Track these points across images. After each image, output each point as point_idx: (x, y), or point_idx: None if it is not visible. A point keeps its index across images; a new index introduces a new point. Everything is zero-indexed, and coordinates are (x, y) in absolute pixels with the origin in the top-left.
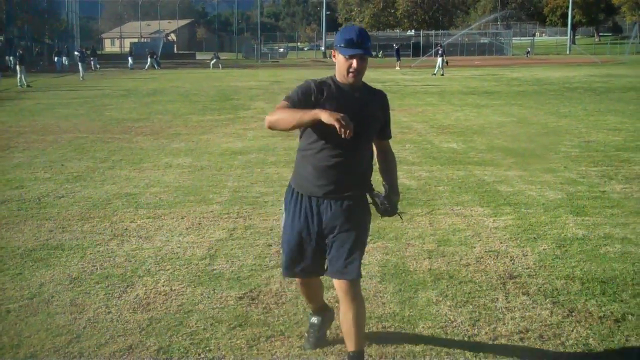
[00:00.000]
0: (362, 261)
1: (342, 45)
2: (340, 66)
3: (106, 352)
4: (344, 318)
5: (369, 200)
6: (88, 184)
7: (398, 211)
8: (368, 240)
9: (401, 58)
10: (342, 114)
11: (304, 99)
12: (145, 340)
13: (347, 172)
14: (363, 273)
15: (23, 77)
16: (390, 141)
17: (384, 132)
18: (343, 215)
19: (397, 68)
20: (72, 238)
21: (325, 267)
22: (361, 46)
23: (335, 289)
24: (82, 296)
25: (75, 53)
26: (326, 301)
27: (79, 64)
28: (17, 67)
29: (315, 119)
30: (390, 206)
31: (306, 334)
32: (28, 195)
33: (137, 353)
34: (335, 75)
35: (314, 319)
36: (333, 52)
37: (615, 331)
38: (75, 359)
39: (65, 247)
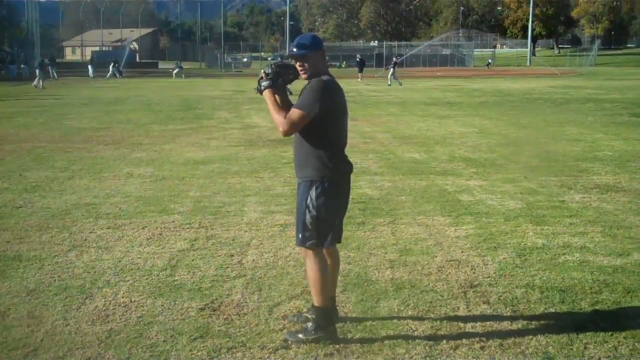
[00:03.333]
0: (302, 232)
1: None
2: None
3: None
4: None
5: None
6: (47, 193)
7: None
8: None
9: (364, 69)
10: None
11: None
12: (104, 352)
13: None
14: None
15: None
16: (353, 152)
17: None
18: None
19: (359, 80)
20: (30, 249)
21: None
22: (297, 49)
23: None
24: (40, 308)
25: (45, 61)
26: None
27: (37, 71)
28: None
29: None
30: None
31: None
32: None
33: None
34: None
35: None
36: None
37: (574, 339)
38: None
39: (22, 258)
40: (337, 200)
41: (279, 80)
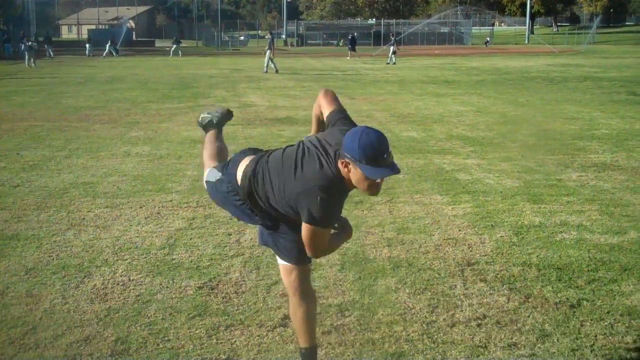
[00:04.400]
0: None
1: (365, 161)
2: (359, 183)
3: (63, 344)
4: None
5: None
6: (44, 172)
7: None
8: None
9: (357, 47)
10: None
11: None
12: (103, 331)
13: None
14: (322, 261)
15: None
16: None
17: None
18: None
19: (348, 57)
20: (28, 228)
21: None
22: (387, 162)
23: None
24: (38, 287)
25: (29, 43)
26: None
27: (26, 52)
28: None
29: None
30: None
31: None
32: None
33: (95, 344)
34: (342, 178)
35: None
36: (344, 162)
37: (570, 317)
38: (31, 350)
39: (20, 237)
40: None
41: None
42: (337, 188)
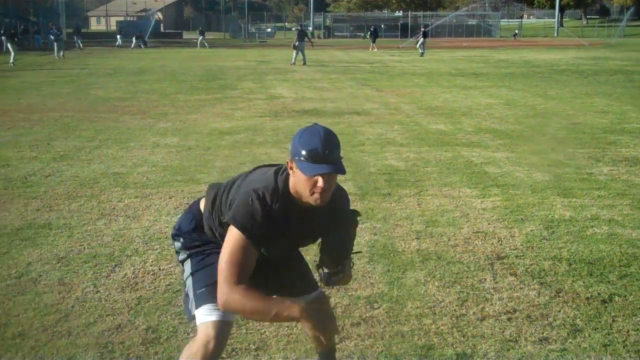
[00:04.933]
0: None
1: (304, 157)
2: (300, 186)
3: (95, 331)
4: None
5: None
6: (75, 163)
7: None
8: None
9: (383, 40)
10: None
11: (262, 236)
12: (134, 319)
13: None
14: None
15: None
16: (378, 123)
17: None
18: None
19: (371, 50)
20: (59, 217)
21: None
22: (330, 158)
23: None
24: (70, 275)
25: (51, 35)
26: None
27: (55, 43)
28: (9, 45)
29: (294, 318)
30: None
31: None
32: (14, 174)
33: (126, 332)
34: (289, 188)
35: None
36: (289, 163)
37: (602, 312)
38: (63, 337)
39: (52, 226)
40: None
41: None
42: (278, 202)
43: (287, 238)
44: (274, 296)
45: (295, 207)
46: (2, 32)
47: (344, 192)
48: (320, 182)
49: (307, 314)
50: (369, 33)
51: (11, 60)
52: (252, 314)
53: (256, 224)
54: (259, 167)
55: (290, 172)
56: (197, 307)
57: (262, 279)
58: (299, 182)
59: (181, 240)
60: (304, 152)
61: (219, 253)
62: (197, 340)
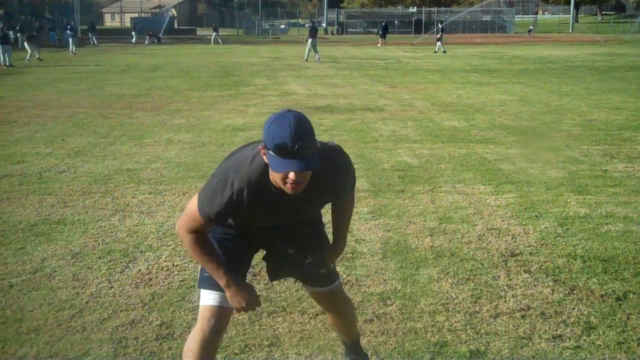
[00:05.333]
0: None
1: (272, 151)
2: (274, 175)
3: (109, 327)
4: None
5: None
6: (89, 159)
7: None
8: None
9: (397, 36)
10: (245, 301)
11: (219, 218)
12: (148, 315)
13: None
14: (364, 250)
15: (36, 53)
16: (392, 120)
17: (337, 198)
18: None
19: (379, 45)
20: (74, 213)
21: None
22: (299, 154)
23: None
24: (85, 271)
25: (68, 31)
26: None
27: (70, 39)
28: (26, 44)
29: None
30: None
31: None
32: (29, 170)
33: (140, 328)
34: (265, 170)
35: None
36: (262, 149)
37: (616, 309)
38: (78, 333)
39: (67, 222)
40: None
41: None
42: (253, 180)
43: (262, 215)
44: (216, 261)
45: (270, 187)
46: (17, 29)
47: (336, 160)
48: (291, 175)
49: (229, 295)
50: (381, 28)
51: (27, 58)
52: (195, 258)
53: (212, 208)
54: (245, 145)
55: (264, 157)
56: (200, 288)
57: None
58: (272, 172)
59: None
60: (272, 146)
61: (230, 239)
62: (196, 324)
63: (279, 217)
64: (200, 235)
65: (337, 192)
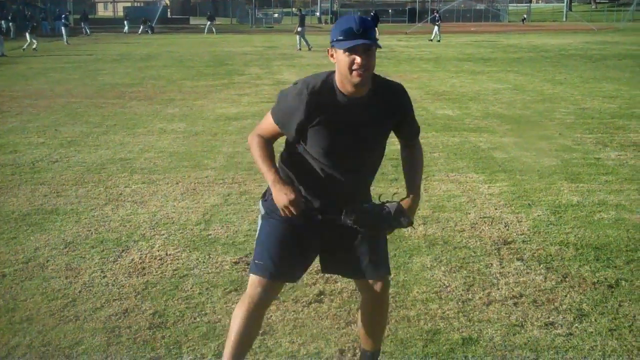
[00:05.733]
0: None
1: (340, 37)
2: (340, 67)
3: (102, 316)
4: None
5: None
6: (82, 148)
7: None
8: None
9: (391, 25)
10: (291, 200)
11: (287, 121)
12: (141, 304)
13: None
14: None
15: (34, 43)
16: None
17: (407, 133)
18: None
19: None
20: (67, 202)
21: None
22: (365, 35)
23: None
24: (78, 260)
25: (63, 20)
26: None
27: (63, 29)
28: (28, 34)
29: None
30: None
31: None
32: (22, 159)
33: (133, 317)
34: (335, 79)
35: None
36: (329, 51)
37: (608, 297)
38: (70, 322)
39: (59, 212)
40: None
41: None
42: (320, 87)
43: (330, 128)
44: (270, 161)
45: (340, 97)
46: (9, 18)
47: (399, 86)
48: (357, 59)
49: (275, 192)
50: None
51: (24, 47)
52: (254, 158)
53: (285, 104)
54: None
55: (332, 59)
56: (253, 258)
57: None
58: (339, 64)
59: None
60: (339, 32)
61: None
62: (245, 291)
63: (343, 139)
64: (264, 140)
65: (399, 121)
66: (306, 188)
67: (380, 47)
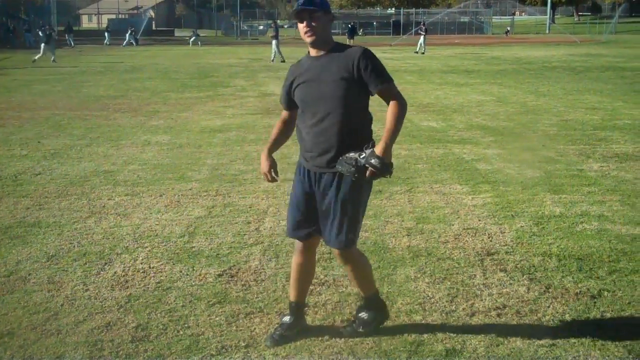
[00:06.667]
0: (351, 232)
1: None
2: (300, 34)
3: (84, 330)
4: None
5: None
6: (65, 161)
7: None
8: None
9: (377, 37)
10: (265, 169)
11: (283, 92)
12: (124, 317)
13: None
14: None
15: (51, 53)
16: (375, 114)
17: (370, 85)
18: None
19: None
20: (50, 215)
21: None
22: (304, 2)
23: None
24: (60, 274)
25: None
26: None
27: (42, 45)
28: (43, 45)
29: None
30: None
31: (272, 330)
32: (4, 172)
33: (115, 330)
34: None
35: (286, 318)
36: None
37: (591, 307)
38: (52, 336)
39: (42, 225)
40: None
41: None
42: (301, 58)
43: (305, 82)
44: (272, 135)
45: (308, 60)
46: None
47: (357, 47)
48: (302, 24)
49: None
50: (348, 29)
51: (52, 58)
52: None
53: (289, 71)
54: None
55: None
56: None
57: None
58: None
59: None
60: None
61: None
62: None
63: (310, 93)
64: (281, 117)
65: (358, 75)
66: (302, 145)
67: (319, 9)
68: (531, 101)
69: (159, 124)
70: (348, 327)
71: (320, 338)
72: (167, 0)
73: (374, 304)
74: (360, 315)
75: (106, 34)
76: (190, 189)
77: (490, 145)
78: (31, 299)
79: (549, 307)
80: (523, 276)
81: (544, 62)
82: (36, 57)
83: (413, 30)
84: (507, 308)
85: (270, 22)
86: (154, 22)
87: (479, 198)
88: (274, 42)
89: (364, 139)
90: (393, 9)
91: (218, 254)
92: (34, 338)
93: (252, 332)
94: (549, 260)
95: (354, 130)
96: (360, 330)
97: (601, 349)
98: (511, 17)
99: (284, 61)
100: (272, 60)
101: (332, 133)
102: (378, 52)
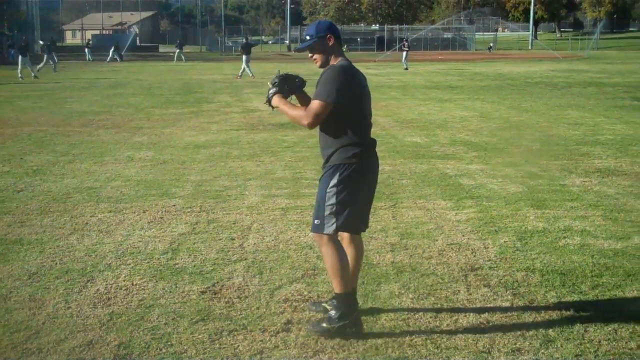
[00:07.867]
0: (321, 219)
1: None
2: None
3: (66, 348)
4: None
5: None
6: (48, 177)
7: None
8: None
9: (362, 53)
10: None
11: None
12: (106, 335)
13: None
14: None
15: (29, 68)
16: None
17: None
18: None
19: None
20: (31, 232)
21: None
22: (303, 42)
23: None
24: (41, 291)
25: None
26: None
27: (20, 57)
28: (19, 58)
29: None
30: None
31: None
32: None
33: (97, 348)
34: None
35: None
36: None
37: (574, 322)
38: (33, 355)
39: (24, 242)
40: (360, 185)
41: (285, 86)
42: None
43: None
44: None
45: None
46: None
47: (331, 67)
48: (310, 55)
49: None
50: None
51: (37, 70)
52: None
53: None
54: None
55: None
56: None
57: None
58: None
59: None
60: None
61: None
62: None
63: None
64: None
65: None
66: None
67: (310, 48)
68: (514, 117)
69: (142, 140)
70: (311, 323)
71: (304, 355)
72: (151, 16)
73: (343, 305)
74: (329, 310)
75: (86, 49)
76: (173, 205)
77: (474, 161)
78: (12, 317)
79: (532, 322)
80: (507, 291)
81: (527, 78)
82: (38, 68)
83: (397, 46)
84: (491, 323)
85: (241, 39)
86: (138, 38)
87: (463, 213)
88: (244, 57)
89: (345, 148)
90: (377, 25)
91: (201, 271)
92: (14, 357)
93: (235, 350)
94: (532, 275)
95: (334, 138)
96: (324, 325)
97: None
98: (494, 33)
99: (253, 77)
100: (240, 76)
101: (325, 133)
102: (362, 68)
